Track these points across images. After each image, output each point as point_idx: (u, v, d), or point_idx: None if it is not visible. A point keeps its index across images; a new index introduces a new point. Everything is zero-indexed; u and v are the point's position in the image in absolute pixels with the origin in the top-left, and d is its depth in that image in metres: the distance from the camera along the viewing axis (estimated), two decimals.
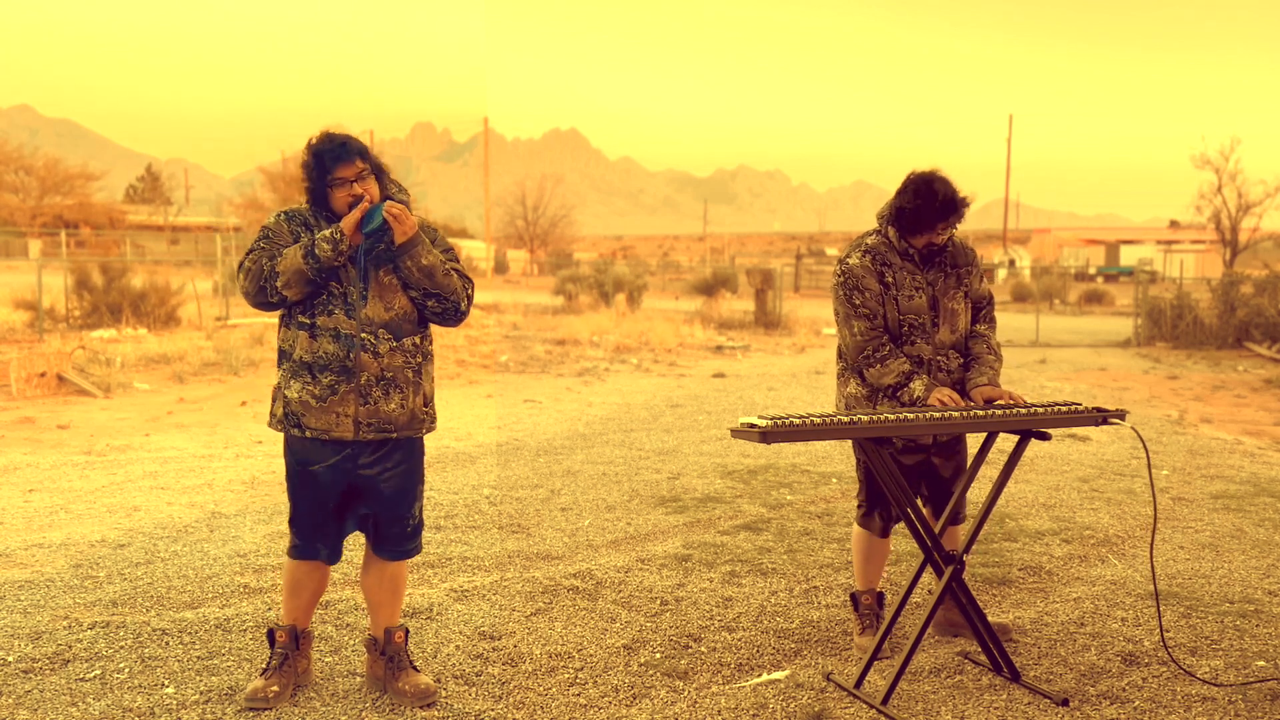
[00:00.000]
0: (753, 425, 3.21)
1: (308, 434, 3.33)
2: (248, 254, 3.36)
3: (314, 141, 3.36)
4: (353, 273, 3.32)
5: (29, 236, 53.28)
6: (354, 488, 3.42)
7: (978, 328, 3.93)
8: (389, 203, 3.32)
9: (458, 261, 3.51)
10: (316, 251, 3.25)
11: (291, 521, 3.48)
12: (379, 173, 3.41)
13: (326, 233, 3.28)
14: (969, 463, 3.87)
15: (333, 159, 3.31)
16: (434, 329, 3.59)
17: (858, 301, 3.79)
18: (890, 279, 3.79)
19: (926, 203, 3.67)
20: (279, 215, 3.42)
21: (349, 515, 3.48)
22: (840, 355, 4.00)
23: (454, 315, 3.44)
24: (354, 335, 3.30)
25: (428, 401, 3.48)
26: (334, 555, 3.51)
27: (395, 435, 3.37)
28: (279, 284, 3.27)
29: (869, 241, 3.87)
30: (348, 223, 3.27)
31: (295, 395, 3.33)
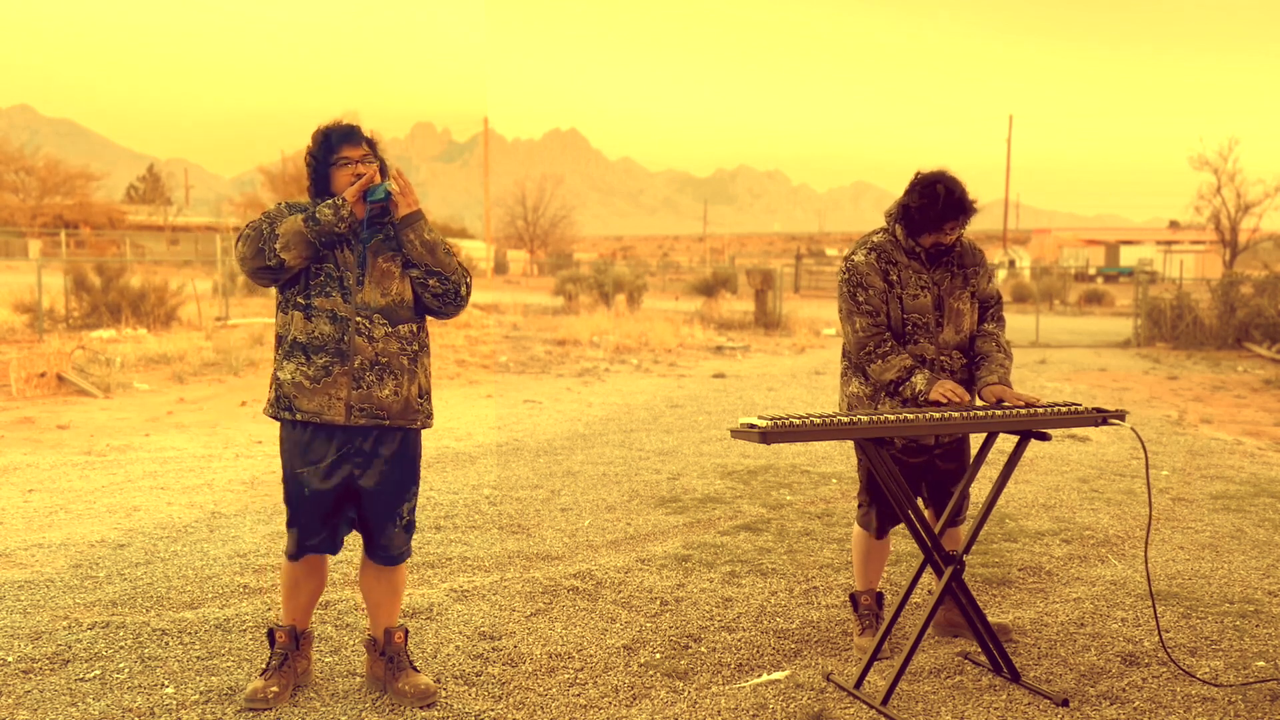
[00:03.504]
0: (752, 426, 3.21)
1: (299, 416, 3.32)
2: (246, 226, 3.40)
3: (323, 126, 3.44)
4: (350, 257, 3.34)
5: (29, 236, 53.26)
6: (347, 485, 3.41)
7: (986, 326, 3.92)
8: (392, 179, 3.38)
9: (455, 257, 3.52)
10: (318, 215, 3.29)
11: (290, 522, 3.47)
12: (383, 169, 3.45)
13: (330, 200, 3.33)
14: (970, 463, 3.87)
15: (340, 138, 3.40)
16: (429, 324, 3.58)
17: (861, 298, 3.80)
18: (895, 277, 3.79)
19: (932, 203, 3.67)
20: (280, 204, 3.46)
21: (344, 513, 3.47)
22: (845, 354, 4.00)
23: (454, 299, 3.43)
24: (349, 318, 3.31)
25: (423, 394, 3.47)
26: (335, 548, 3.51)
27: (388, 423, 3.36)
28: (277, 245, 3.28)
29: (875, 239, 3.88)
30: (351, 191, 3.31)
31: (288, 377, 3.35)
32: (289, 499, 3.45)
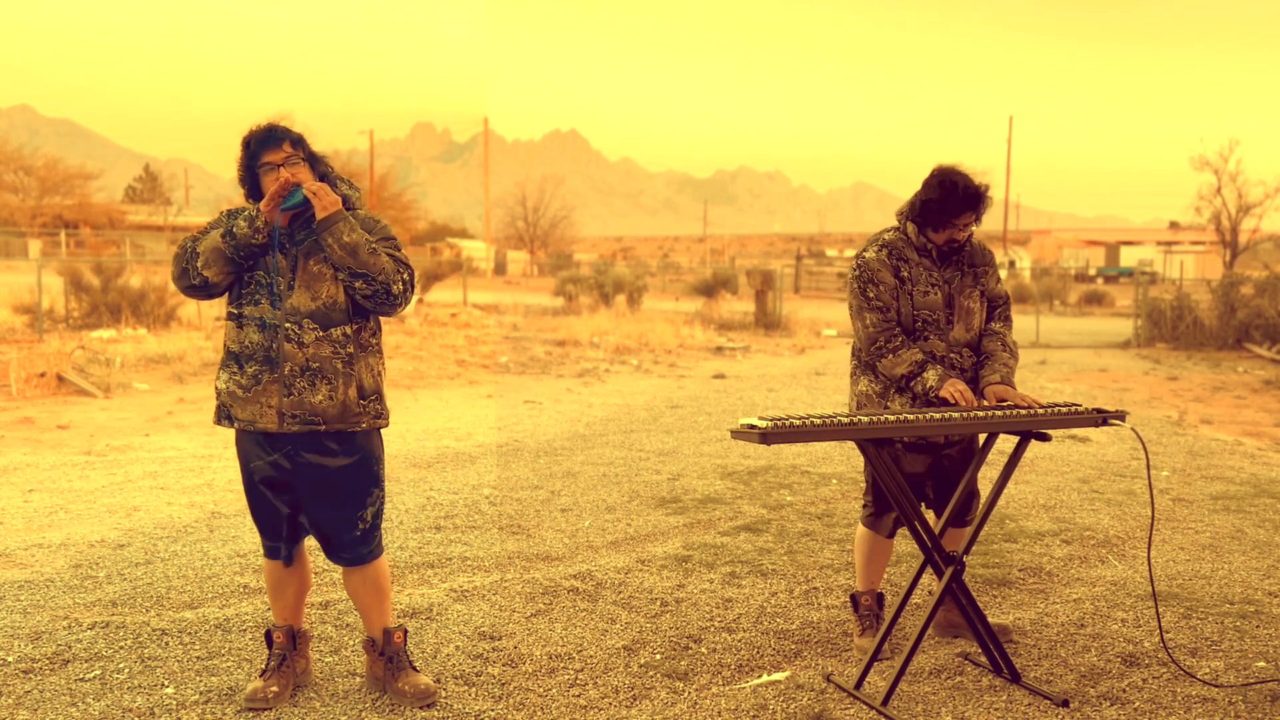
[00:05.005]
0: (753, 426, 3.21)
1: (237, 425, 3.33)
2: (179, 244, 3.38)
3: (247, 132, 3.38)
4: (281, 262, 3.30)
5: (29, 236, 53.24)
6: (295, 490, 3.38)
7: (993, 325, 3.93)
8: (310, 181, 3.30)
9: (398, 250, 3.42)
10: (234, 229, 3.26)
11: (254, 521, 3.49)
12: (314, 161, 3.38)
13: (246, 212, 3.29)
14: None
15: (259, 144, 3.32)
16: (384, 324, 3.52)
17: (871, 294, 3.80)
18: (906, 274, 3.80)
19: (950, 194, 3.67)
20: (223, 212, 3.44)
21: (301, 517, 3.46)
22: (854, 354, 4.00)
23: (386, 299, 3.32)
24: (278, 325, 3.28)
25: (365, 394, 3.37)
26: (289, 557, 3.48)
27: (324, 428, 3.30)
28: (199, 264, 3.28)
29: (886, 237, 3.89)
30: (265, 200, 3.25)
31: (223, 386, 3.36)
32: (247, 498, 3.46)
